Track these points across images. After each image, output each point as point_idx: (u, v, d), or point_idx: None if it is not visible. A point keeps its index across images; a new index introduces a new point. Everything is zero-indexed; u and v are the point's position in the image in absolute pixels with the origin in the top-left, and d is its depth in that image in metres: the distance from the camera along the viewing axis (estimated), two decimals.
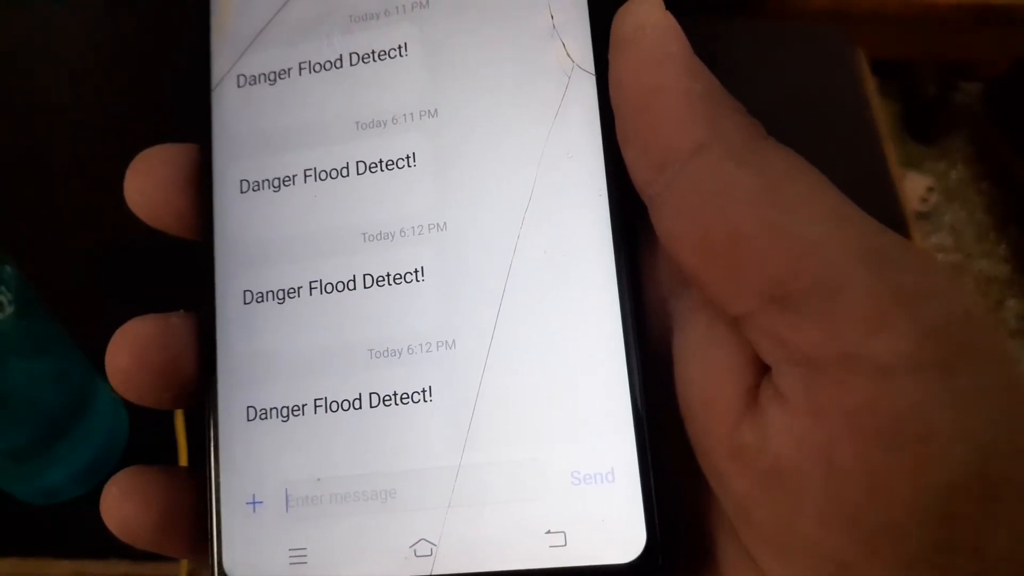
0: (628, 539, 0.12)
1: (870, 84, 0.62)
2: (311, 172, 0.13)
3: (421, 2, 0.13)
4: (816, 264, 0.11)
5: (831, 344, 0.11)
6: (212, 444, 0.13)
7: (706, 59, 0.12)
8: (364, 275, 0.13)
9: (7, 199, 0.52)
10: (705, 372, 0.12)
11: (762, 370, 0.12)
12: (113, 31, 0.62)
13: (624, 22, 0.12)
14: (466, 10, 0.13)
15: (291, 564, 0.12)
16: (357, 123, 0.14)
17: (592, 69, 0.13)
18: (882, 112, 0.60)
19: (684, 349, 0.13)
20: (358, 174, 0.13)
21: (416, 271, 0.13)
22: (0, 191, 0.52)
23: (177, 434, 0.41)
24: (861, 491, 0.10)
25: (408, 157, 0.13)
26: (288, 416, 0.13)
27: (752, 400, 0.12)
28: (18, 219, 0.50)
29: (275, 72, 0.14)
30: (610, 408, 0.12)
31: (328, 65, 0.14)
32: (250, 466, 0.13)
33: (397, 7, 0.13)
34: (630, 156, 0.12)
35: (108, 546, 0.38)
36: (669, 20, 0.12)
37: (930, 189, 1.26)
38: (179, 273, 0.48)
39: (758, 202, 0.11)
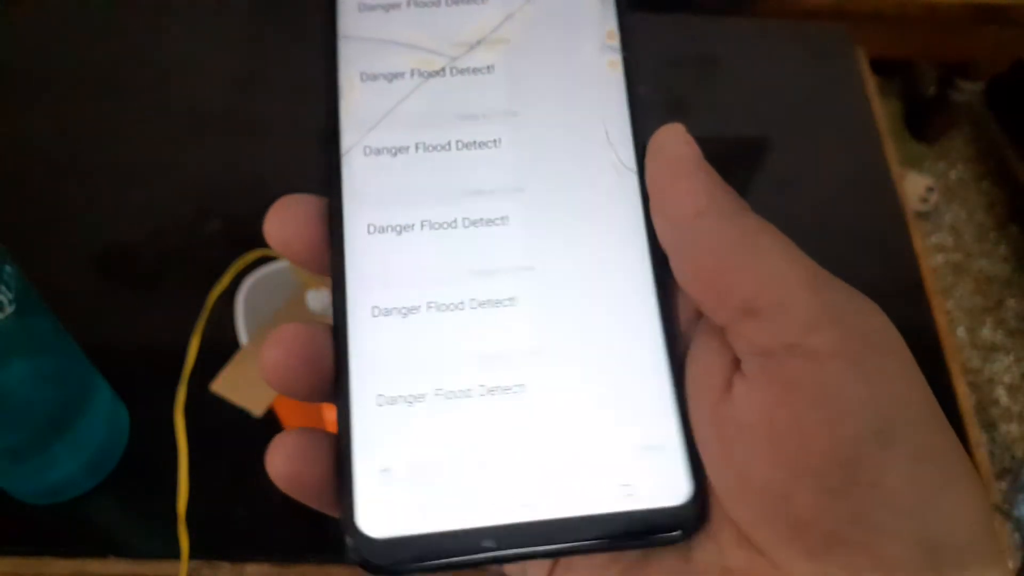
0: (676, 490, 0.16)
1: (870, 84, 0.62)
2: (427, 223, 0.18)
3: (513, 111, 0.19)
4: (774, 288, 0.15)
5: (779, 339, 0.15)
6: (342, 423, 0.17)
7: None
8: (471, 299, 0.18)
9: (8, 199, 0.52)
10: (702, 370, 0.17)
11: (738, 365, 0.16)
12: (110, 29, 0.62)
13: (655, 140, 0.18)
14: (546, 118, 0.19)
15: (414, 519, 0.16)
16: (462, 190, 0.18)
17: (635, 168, 0.18)
18: (882, 112, 0.60)
19: (692, 357, 0.18)
20: (464, 227, 0.18)
21: (511, 299, 0.18)
22: (1, 191, 0.52)
23: (177, 435, 0.41)
24: (793, 441, 0.15)
25: (503, 218, 0.18)
26: (412, 402, 0.17)
27: (730, 386, 0.16)
28: (18, 219, 0.50)
29: (396, 148, 0.19)
30: (663, 406, 0.17)
31: (440, 147, 0.19)
32: (379, 441, 0.17)
33: (493, 112, 0.19)
34: (657, 222, 0.18)
35: (108, 546, 0.39)
36: (685, 137, 0.18)
37: (930, 189, 1.26)
38: (177, 273, 0.48)
39: (737, 249, 0.16)
